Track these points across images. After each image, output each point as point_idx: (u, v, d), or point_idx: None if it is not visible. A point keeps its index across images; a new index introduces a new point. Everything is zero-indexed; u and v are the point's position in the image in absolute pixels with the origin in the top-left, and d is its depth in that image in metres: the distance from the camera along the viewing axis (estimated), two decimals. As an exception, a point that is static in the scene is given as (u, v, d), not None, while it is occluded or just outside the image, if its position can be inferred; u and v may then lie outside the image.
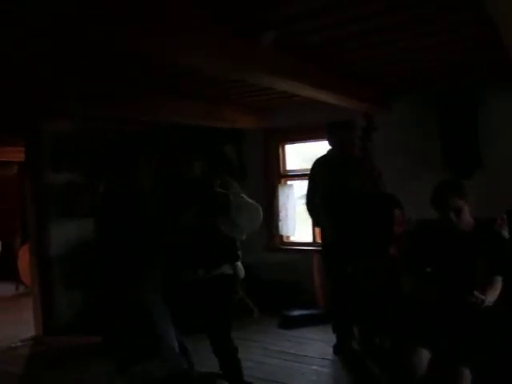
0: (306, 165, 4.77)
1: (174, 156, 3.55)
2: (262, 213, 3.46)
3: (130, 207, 3.18)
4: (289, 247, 6.51)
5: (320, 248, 4.86)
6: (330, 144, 4.47)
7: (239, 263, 3.51)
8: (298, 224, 6.40)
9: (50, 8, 2.05)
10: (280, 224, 6.40)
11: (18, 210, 7.80)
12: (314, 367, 4.29)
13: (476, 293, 2.68)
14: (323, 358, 4.46)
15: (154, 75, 4.29)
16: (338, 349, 4.51)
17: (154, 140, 5.41)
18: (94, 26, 2.37)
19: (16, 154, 6.96)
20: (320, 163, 4.57)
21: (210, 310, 3.43)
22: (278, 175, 6.56)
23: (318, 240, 5.45)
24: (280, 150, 6.60)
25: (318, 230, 5.31)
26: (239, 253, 3.51)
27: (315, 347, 4.74)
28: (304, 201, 4.72)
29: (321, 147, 5.02)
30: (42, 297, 5.44)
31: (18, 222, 8.14)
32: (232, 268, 3.43)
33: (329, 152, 4.55)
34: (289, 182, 6.54)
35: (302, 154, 6.96)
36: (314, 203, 4.52)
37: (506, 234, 4.14)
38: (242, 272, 3.52)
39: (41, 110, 4.60)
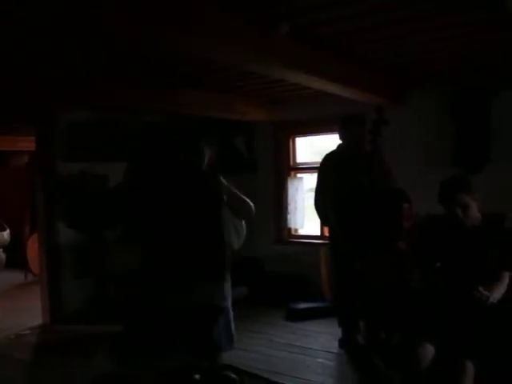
0: (317, 158, 4.75)
1: (187, 146, 3.49)
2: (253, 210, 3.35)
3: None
4: (297, 240, 6.51)
5: (328, 242, 4.85)
6: (341, 138, 4.45)
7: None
8: (306, 217, 6.40)
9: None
10: (289, 217, 6.39)
11: (28, 199, 7.83)
12: (320, 360, 4.29)
13: (481, 289, 2.68)
14: (328, 351, 4.46)
15: (166, 66, 4.30)
16: (343, 342, 4.51)
17: (169, 131, 5.44)
18: (107, 19, 2.40)
19: (26, 144, 7.00)
20: (330, 158, 4.55)
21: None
22: (287, 168, 6.55)
23: (326, 233, 5.44)
24: (290, 143, 6.59)
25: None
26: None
27: (321, 340, 4.74)
28: (313, 193, 4.69)
29: (332, 140, 5.00)
30: (49, 285, 5.47)
31: (28, 211, 8.17)
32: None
33: (339, 146, 4.52)
34: (299, 175, 6.53)
35: (313, 147, 6.94)
36: (321, 201, 4.50)
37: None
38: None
39: (54, 99, 4.61)
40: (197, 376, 3.36)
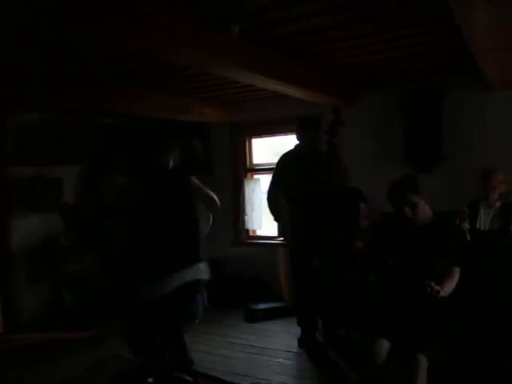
0: (275, 159, 4.77)
1: (148, 148, 3.54)
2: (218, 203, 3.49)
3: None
4: (255, 241, 6.52)
5: (285, 242, 4.88)
6: (298, 139, 4.49)
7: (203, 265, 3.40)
8: (264, 218, 6.41)
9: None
10: (246, 218, 6.40)
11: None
12: (279, 360, 4.30)
13: (432, 283, 2.75)
14: (288, 351, 4.48)
15: (119, 66, 4.23)
16: (302, 341, 4.54)
17: (127, 132, 5.39)
18: (59, 23, 2.36)
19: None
20: (286, 158, 4.58)
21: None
22: (244, 169, 6.56)
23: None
24: (246, 144, 6.59)
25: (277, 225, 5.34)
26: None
27: (280, 340, 4.76)
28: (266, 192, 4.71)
29: (290, 141, 5.03)
30: (3, 293, 5.31)
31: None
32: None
33: (295, 147, 4.56)
34: (255, 176, 6.54)
35: (271, 148, 6.96)
36: (275, 198, 4.53)
37: (466, 225, 4.24)
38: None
39: (5, 101, 4.48)
40: (150, 379, 3.35)
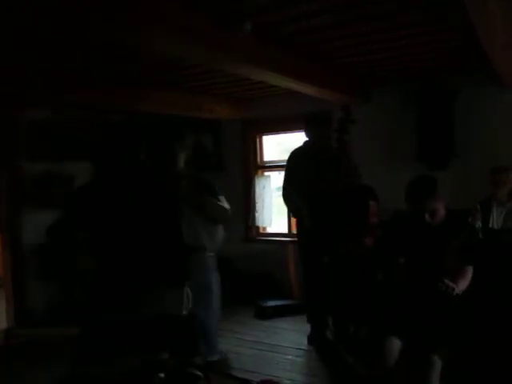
0: (285, 156, 4.77)
1: (158, 146, 3.44)
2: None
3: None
4: (265, 238, 6.52)
5: (296, 239, 4.88)
6: (307, 135, 4.48)
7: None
8: (274, 215, 6.41)
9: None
10: (256, 215, 6.39)
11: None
12: (289, 357, 4.31)
13: (446, 281, 2.72)
14: (298, 348, 4.48)
15: (129, 64, 4.25)
16: (312, 339, 4.54)
17: (138, 130, 5.37)
18: (70, 15, 2.36)
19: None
20: (296, 154, 4.58)
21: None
22: (255, 166, 6.55)
23: (294, 231, 5.46)
24: (257, 141, 6.59)
25: (294, 220, 5.31)
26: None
27: (290, 337, 4.76)
28: (281, 192, 4.71)
29: (300, 138, 5.02)
30: (14, 289, 5.35)
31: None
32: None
33: (305, 143, 4.55)
34: (266, 173, 6.53)
35: (281, 145, 6.96)
36: (290, 192, 4.51)
37: (479, 223, 4.22)
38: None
39: (16, 97, 4.51)
40: (161, 374, 3.32)
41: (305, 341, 4.57)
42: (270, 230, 6.60)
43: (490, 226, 4.25)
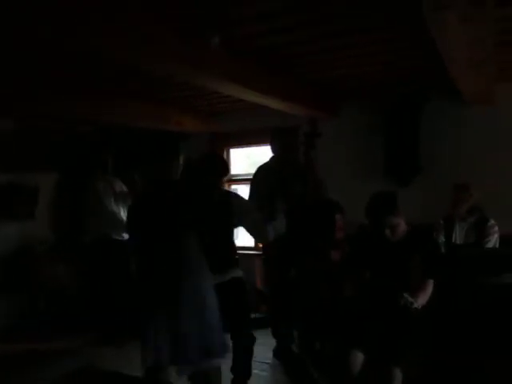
0: (254, 169, 4.77)
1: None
2: None
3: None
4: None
5: (262, 252, 4.87)
6: (273, 150, 4.48)
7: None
8: (240, 228, 6.38)
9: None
10: (223, 228, 6.35)
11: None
12: (255, 371, 4.24)
13: (405, 295, 2.77)
14: (263, 362, 4.46)
15: (99, 74, 4.22)
16: (277, 353, 4.53)
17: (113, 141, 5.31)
18: (41, 25, 2.34)
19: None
20: (263, 169, 4.57)
21: (233, 311, 3.51)
22: (222, 179, 6.52)
23: (260, 245, 5.45)
24: (225, 154, 6.58)
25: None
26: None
27: (255, 351, 4.71)
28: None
29: (269, 151, 5.04)
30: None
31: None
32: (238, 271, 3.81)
33: (271, 159, 4.56)
34: (233, 186, 6.53)
35: (250, 158, 6.97)
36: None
37: (442, 238, 4.29)
38: None
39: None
40: None
41: (270, 355, 4.55)
42: (236, 243, 6.55)
43: (453, 240, 4.32)
